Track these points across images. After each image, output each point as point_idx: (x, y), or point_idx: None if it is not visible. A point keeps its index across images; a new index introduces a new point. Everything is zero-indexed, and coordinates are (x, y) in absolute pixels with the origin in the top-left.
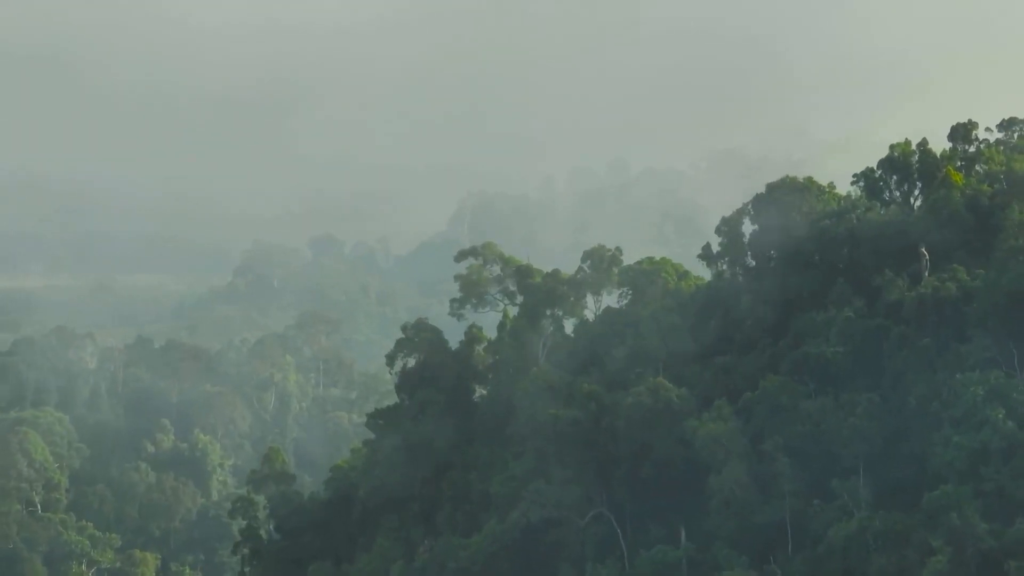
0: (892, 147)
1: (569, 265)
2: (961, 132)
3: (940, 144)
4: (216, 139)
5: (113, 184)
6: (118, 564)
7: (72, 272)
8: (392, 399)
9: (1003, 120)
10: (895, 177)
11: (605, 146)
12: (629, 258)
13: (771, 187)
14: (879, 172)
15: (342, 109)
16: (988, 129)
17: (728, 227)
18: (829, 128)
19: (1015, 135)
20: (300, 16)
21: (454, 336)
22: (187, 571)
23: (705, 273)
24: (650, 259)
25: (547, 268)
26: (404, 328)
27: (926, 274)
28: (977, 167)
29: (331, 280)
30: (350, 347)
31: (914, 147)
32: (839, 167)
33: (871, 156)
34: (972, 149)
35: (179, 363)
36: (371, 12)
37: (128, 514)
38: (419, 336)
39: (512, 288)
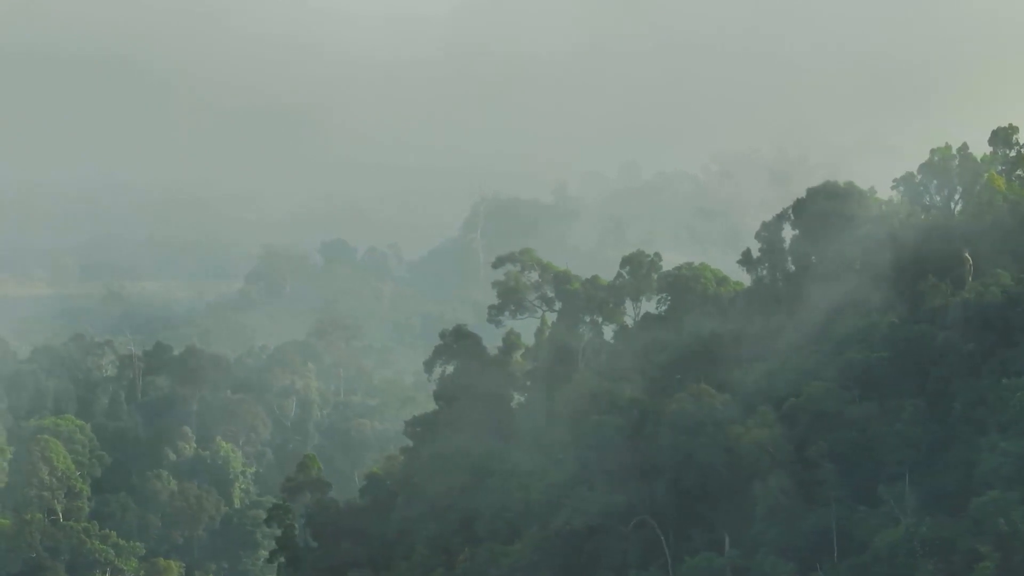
0: (933, 151)
1: (590, 270)
2: (1002, 136)
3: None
4: (224, 144)
5: (117, 189)
6: (142, 572)
7: (79, 279)
8: (413, 406)
9: None
10: (935, 182)
11: (615, 150)
12: None
13: (812, 192)
14: (919, 177)
15: (351, 115)
16: None
17: (768, 232)
18: (842, 131)
19: None
20: (311, 23)
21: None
22: None
23: (736, 276)
24: (689, 264)
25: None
26: (442, 335)
27: (969, 279)
28: (1019, 171)
29: (344, 286)
30: (366, 354)
31: (954, 151)
32: (858, 171)
33: (888, 160)
34: (1013, 153)
35: (198, 370)
36: (377, 20)
37: (151, 522)
38: (457, 343)
39: (550, 294)
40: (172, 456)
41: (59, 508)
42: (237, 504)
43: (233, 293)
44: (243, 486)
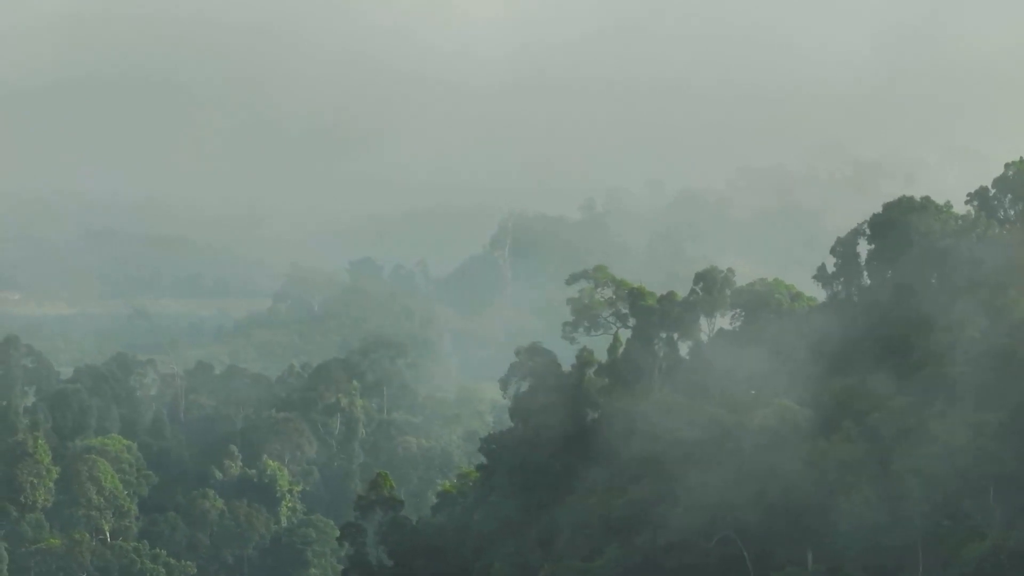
0: (1007, 165)
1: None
2: None
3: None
4: (248, 162)
5: (139, 206)
6: None
7: (102, 297)
8: (458, 424)
9: None
10: (1009, 196)
11: (636, 167)
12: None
13: (888, 206)
14: (993, 191)
15: (371, 134)
16: None
17: (843, 247)
18: (865, 145)
19: None
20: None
21: None
22: None
23: (804, 291)
24: (763, 280)
25: None
26: (518, 352)
27: None
28: None
29: (372, 303)
30: (405, 372)
31: None
32: (880, 184)
33: (913, 174)
34: None
35: (241, 389)
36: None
37: (200, 541)
38: (532, 360)
39: (624, 311)
40: (218, 475)
41: (107, 528)
42: (285, 523)
43: (261, 311)
44: (290, 504)
